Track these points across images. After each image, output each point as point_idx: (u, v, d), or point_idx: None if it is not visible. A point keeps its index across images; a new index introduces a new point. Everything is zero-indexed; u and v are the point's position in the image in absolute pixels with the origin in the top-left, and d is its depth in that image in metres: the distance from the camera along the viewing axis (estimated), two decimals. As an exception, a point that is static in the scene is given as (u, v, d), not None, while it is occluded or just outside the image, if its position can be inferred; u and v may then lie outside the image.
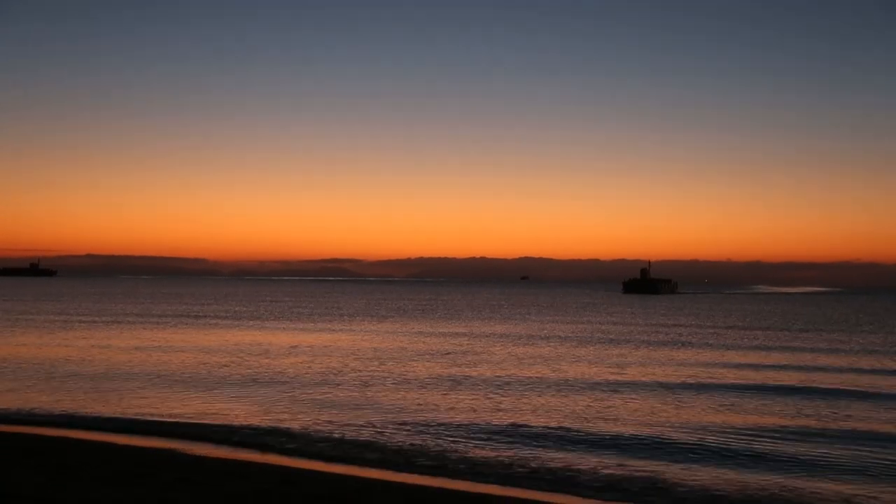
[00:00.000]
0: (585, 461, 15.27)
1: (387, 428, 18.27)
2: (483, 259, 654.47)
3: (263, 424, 18.53)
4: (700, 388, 25.61)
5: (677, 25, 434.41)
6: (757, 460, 15.61)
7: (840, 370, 31.49)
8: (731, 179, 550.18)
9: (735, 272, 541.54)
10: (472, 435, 17.55)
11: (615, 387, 25.60)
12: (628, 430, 18.15)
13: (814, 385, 26.46)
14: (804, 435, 18.04)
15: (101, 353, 33.82)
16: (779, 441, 17.36)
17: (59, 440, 15.98)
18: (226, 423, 18.75)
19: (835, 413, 21.08)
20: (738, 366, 32.61)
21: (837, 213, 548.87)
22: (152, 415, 19.80)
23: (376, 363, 31.57)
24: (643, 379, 27.69)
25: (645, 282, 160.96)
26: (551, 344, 41.94)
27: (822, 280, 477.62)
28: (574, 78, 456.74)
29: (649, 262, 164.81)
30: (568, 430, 18.21)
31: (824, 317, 79.52)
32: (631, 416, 20.26)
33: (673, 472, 14.54)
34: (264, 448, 16.22)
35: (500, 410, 20.83)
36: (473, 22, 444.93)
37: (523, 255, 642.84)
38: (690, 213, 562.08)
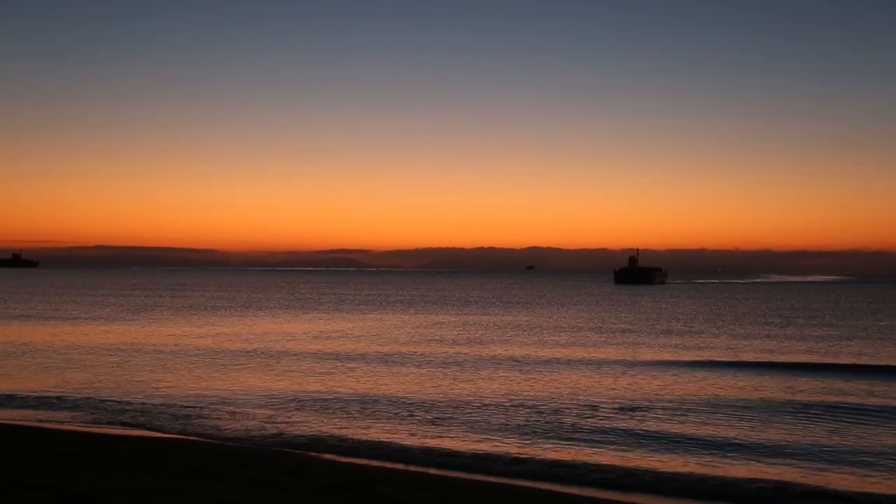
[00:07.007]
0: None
1: (392, 419, 18.36)
2: (491, 249, 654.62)
3: (270, 414, 18.61)
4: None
5: (687, 12, 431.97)
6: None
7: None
8: (741, 168, 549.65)
9: (744, 261, 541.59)
10: (477, 429, 17.56)
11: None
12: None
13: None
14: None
15: (109, 342, 33.66)
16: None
17: (64, 431, 15.96)
18: (234, 412, 18.82)
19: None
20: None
21: (847, 201, 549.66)
22: (161, 404, 19.81)
23: (385, 357, 31.11)
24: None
25: (636, 271, 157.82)
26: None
27: (833, 269, 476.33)
28: (582, 66, 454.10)
29: (637, 249, 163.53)
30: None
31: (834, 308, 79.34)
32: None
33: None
34: (270, 438, 16.27)
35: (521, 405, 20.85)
36: (479, 9, 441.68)
37: (531, 245, 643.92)
38: (699, 203, 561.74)
